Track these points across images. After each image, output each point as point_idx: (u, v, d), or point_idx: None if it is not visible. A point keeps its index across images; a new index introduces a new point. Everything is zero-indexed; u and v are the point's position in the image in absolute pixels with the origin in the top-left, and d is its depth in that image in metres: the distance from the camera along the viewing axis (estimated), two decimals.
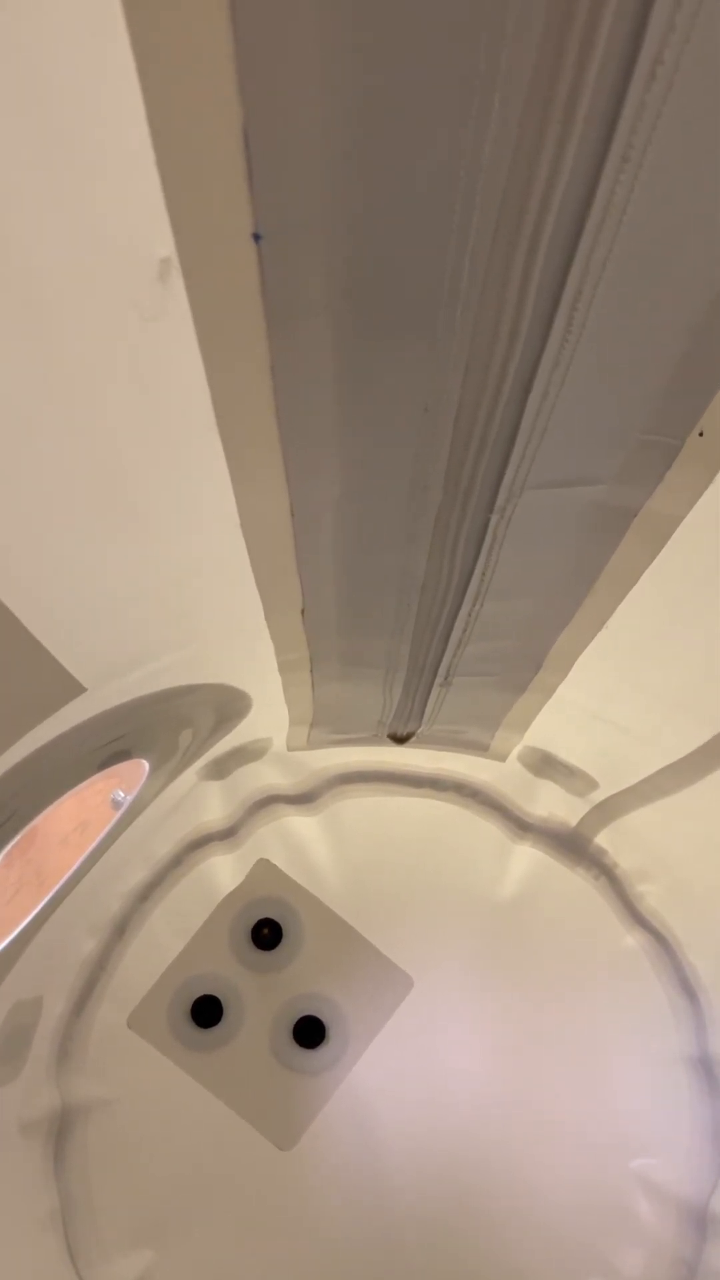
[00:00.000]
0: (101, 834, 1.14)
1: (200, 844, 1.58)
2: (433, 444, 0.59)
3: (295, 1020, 1.61)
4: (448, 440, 0.59)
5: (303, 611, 0.89)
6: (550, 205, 0.45)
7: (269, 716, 1.29)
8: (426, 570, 0.80)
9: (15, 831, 0.91)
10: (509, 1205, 1.55)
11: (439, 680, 1.08)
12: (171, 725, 1.07)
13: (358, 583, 0.83)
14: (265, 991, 1.62)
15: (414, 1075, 1.61)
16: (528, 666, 1.02)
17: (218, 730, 1.21)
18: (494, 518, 0.68)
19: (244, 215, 0.41)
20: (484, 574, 0.78)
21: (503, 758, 1.50)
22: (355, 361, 0.52)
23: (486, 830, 1.61)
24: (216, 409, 0.52)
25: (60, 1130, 1.50)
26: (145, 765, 1.09)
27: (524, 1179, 1.56)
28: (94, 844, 1.15)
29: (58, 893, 1.18)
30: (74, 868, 1.16)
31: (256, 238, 0.42)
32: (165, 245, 0.41)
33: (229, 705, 1.11)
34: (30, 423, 0.47)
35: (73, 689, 0.80)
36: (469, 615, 0.88)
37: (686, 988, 1.50)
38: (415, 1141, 1.59)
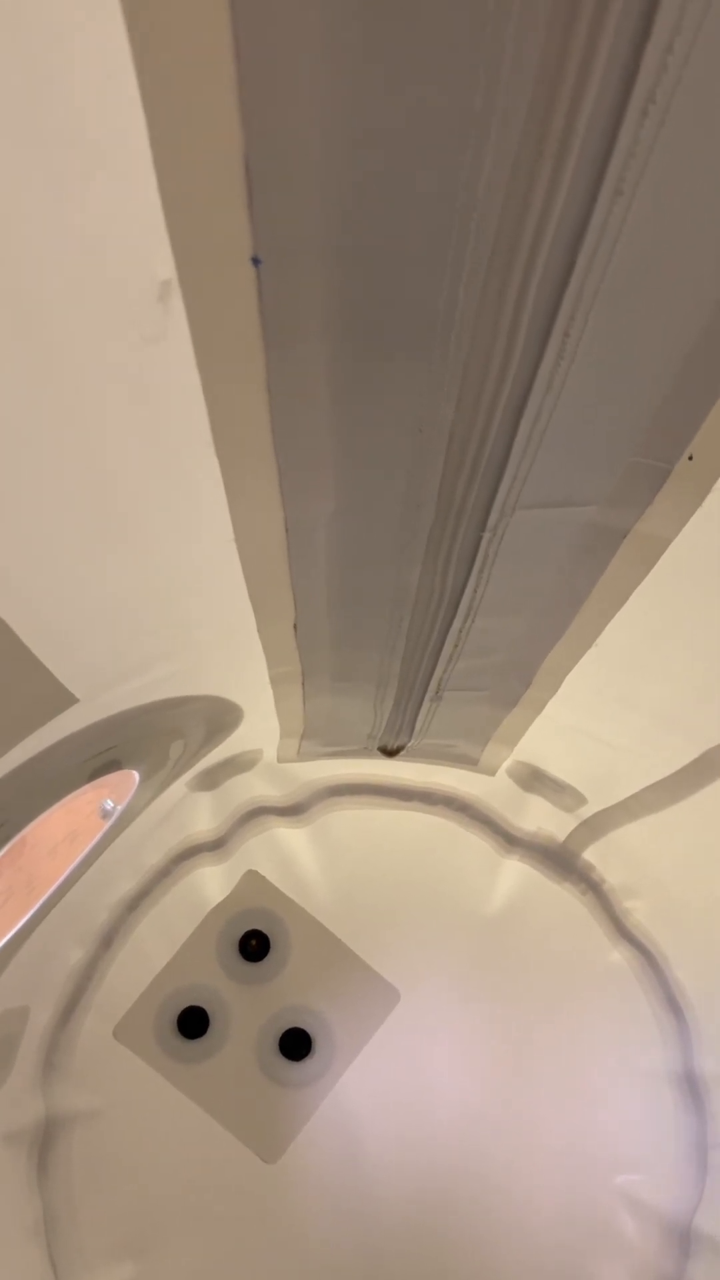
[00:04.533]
0: (91, 844, 1.15)
1: (189, 855, 1.58)
2: (426, 464, 0.60)
3: (281, 1032, 1.61)
4: (441, 461, 0.59)
5: (295, 625, 0.89)
6: (545, 235, 0.45)
7: (260, 728, 1.30)
8: (419, 587, 0.80)
9: (4, 841, 0.92)
10: (494, 1219, 1.55)
11: (429, 695, 1.09)
12: (163, 737, 1.07)
13: (350, 598, 0.84)
14: (252, 1003, 1.62)
15: (400, 1088, 1.61)
16: (518, 682, 1.03)
17: (209, 742, 1.22)
18: (486, 536, 0.69)
19: (244, 239, 0.42)
20: (475, 591, 0.79)
21: (492, 772, 1.50)
22: (350, 383, 0.53)
23: (475, 844, 1.61)
24: (214, 427, 0.52)
25: (44, 1140, 1.49)
26: (136, 776, 1.09)
27: (509, 1193, 1.56)
28: (83, 854, 1.15)
29: (46, 902, 1.18)
30: (63, 877, 1.16)
31: (256, 262, 0.43)
32: (166, 268, 0.42)
33: (220, 717, 1.12)
34: (27, 439, 0.48)
35: (65, 700, 0.80)
36: (460, 631, 0.89)
37: (672, 1004, 1.51)
38: (401, 1155, 1.58)
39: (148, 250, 0.41)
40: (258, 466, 0.58)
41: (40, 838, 1.06)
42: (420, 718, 1.20)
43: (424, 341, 0.50)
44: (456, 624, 0.87)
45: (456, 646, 0.92)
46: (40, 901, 1.14)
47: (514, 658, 0.97)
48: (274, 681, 1.05)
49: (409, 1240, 1.55)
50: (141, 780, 1.11)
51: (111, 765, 1.03)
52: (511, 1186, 1.56)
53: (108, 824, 1.14)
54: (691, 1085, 1.47)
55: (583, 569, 0.77)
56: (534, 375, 0.54)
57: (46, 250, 0.39)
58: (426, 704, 1.13)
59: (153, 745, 1.07)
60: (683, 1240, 1.42)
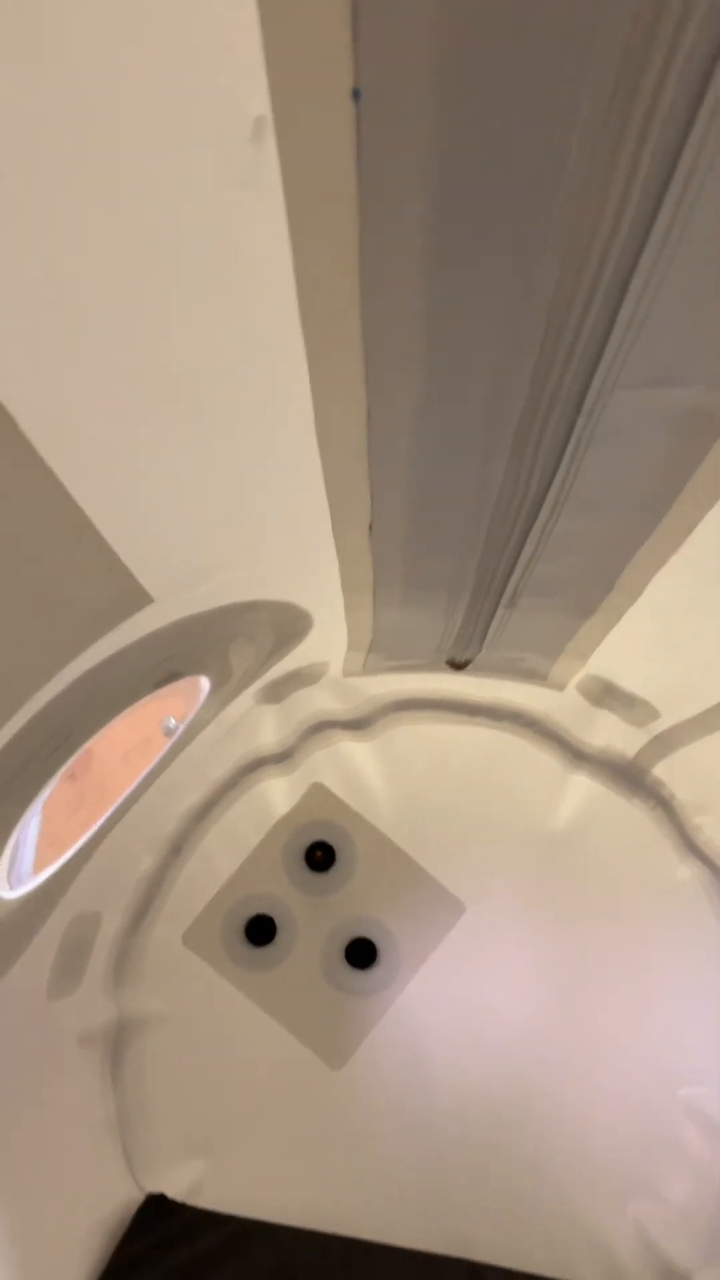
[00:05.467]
0: (162, 751, 1.15)
1: (255, 767, 1.58)
2: (523, 336, 0.56)
3: (347, 942, 1.63)
4: (539, 331, 0.56)
5: (370, 526, 0.86)
6: (669, 77, 0.41)
7: (327, 640, 1.28)
8: (503, 482, 0.77)
9: (80, 743, 0.91)
10: (554, 1129, 1.56)
11: (504, 602, 1.06)
12: (232, 643, 1.06)
13: (429, 496, 0.81)
14: (318, 913, 1.63)
15: (464, 1000, 1.62)
16: (598, 587, 0.99)
17: (277, 651, 1.20)
18: (580, 422, 0.65)
19: (345, 70, 0.38)
20: (563, 485, 0.76)
21: (561, 687, 1.47)
22: (447, 244, 0.49)
23: (542, 760, 1.59)
24: (300, 292, 0.49)
25: (117, 1043, 1.53)
26: (205, 683, 1.08)
27: (570, 1105, 1.57)
28: (155, 761, 1.15)
29: (119, 808, 1.19)
30: (134, 784, 1.16)
31: (356, 95, 0.39)
32: (261, 103, 0.38)
33: (290, 625, 1.10)
34: (109, 297, 0.45)
35: (142, 599, 0.78)
36: (543, 531, 0.85)
37: None
38: (463, 1064, 1.60)
39: (243, 84, 0.38)
40: (343, 339, 0.55)
41: (113, 745, 1.06)
42: (492, 628, 1.17)
43: (530, 193, 0.46)
44: (539, 523, 0.84)
45: (537, 548, 0.88)
46: (113, 807, 1.15)
47: (596, 561, 0.93)
48: (345, 589, 1.03)
49: (470, 1147, 1.57)
50: (211, 688, 1.11)
51: (182, 671, 1.02)
52: (574, 1098, 1.57)
53: (174, 737, 1.13)
54: None
55: (678, 460, 0.73)
56: (646, 236, 0.49)
57: (138, 81, 0.36)
58: (500, 612, 1.10)
59: (223, 652, 1.05)
60: None
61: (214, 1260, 1.37)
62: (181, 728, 1.12)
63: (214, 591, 0.89)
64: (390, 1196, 1.54)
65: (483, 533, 0.87)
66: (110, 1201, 1.44)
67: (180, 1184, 1.52)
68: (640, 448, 0.70)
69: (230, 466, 0.68)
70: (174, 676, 1.01)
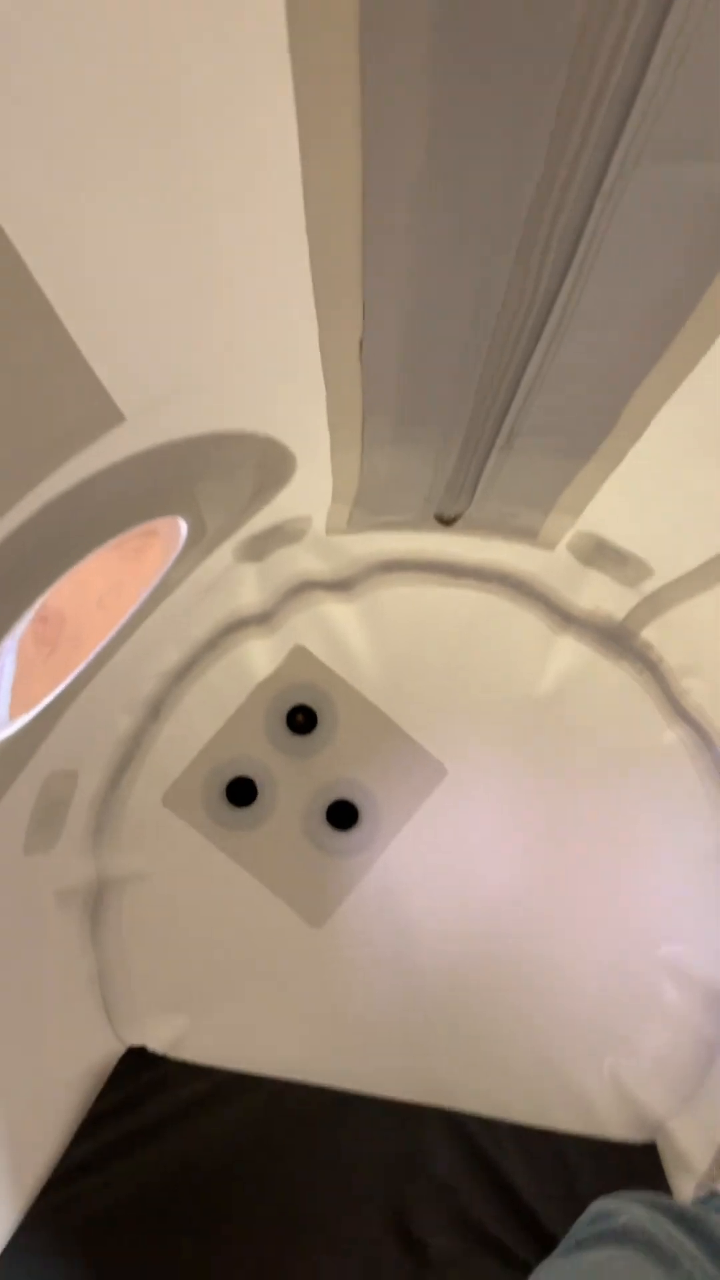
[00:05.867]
0: (141, 598, 1.10)
1: (236, 628, 1.54)
2: (540, 96, 0.49)
3: (329, 804, 1.62)
4: (560, 85, 0.49)
5: (361, 342, 0.80)
6: None
7: (311, 490, 1.22)
8: (508, 288, 0.70)
9: (54, 578, 0.86)
10: (533, 985, 1.59)
11: (499, 442, 1.00)
12: (211, 482, 1.00)
13: (426, 305, 0.74)
14: (299, 775, 1.62)
15: (445, 861, 1.62)
16: (599, 423, 0.93)
17: (259, 497, 1.15)
18: (598, 206, 0.58)
19: None
20: (573, 290, 0.69)
21: (552, 545, 1.43)
22: None
23: (529, 623, 1.56)
24: (291, 36, 0.42)
25: (97, 900, 1.53)
26: (182, 526, 1.03)
27: (550, 962, 1.59)
28: (132, 609, 1.10)
29: (94, 660, 1.15)
30: (112, 632, 1.12)
31: None
32: None
33: (272, 465, 1.04)
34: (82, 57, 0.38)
35: (112, 416, 0.72)
36: (546, 351, 0.79)
37: None
38: (443, 924, 1.62)
39: None
40: (339, 94, 0.48)
41: (87, 588, 1.01)
42: (485, 474, 1.12)
43: None
44: (544, 342, 0.77)
45: (540, 372, 0.82)
46: (89, 657, 1.10)
47: (599, 390, 0.87)
48: (332, 423, 0.97)
49: (450, 1002, 1.59)
50: (189, 531, 1.05)
51: (158, 510, 0.96)
52: (553, 956, 1.59)
53: (158, 577, 1.08)
54: None
55: (694, 266, 0.67)
56: None
57: None
58: (494, 455, 1.04)
59: (200, 491, 1.00)
60: None
61: (194, 1110, 1.40)
62: (168, 562, 1.07)
63: (189, 416, 0.83)
64: (370, 1050, 1.57)
65: (483, 352, 0.80)
66: (91, 1054, 1.46)
67: (161, 1038, 1.54)
68: (658, 246, 0.64)
69: (211, 256, 0.61)
70: (149, 514, 0.95)
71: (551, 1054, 1.55)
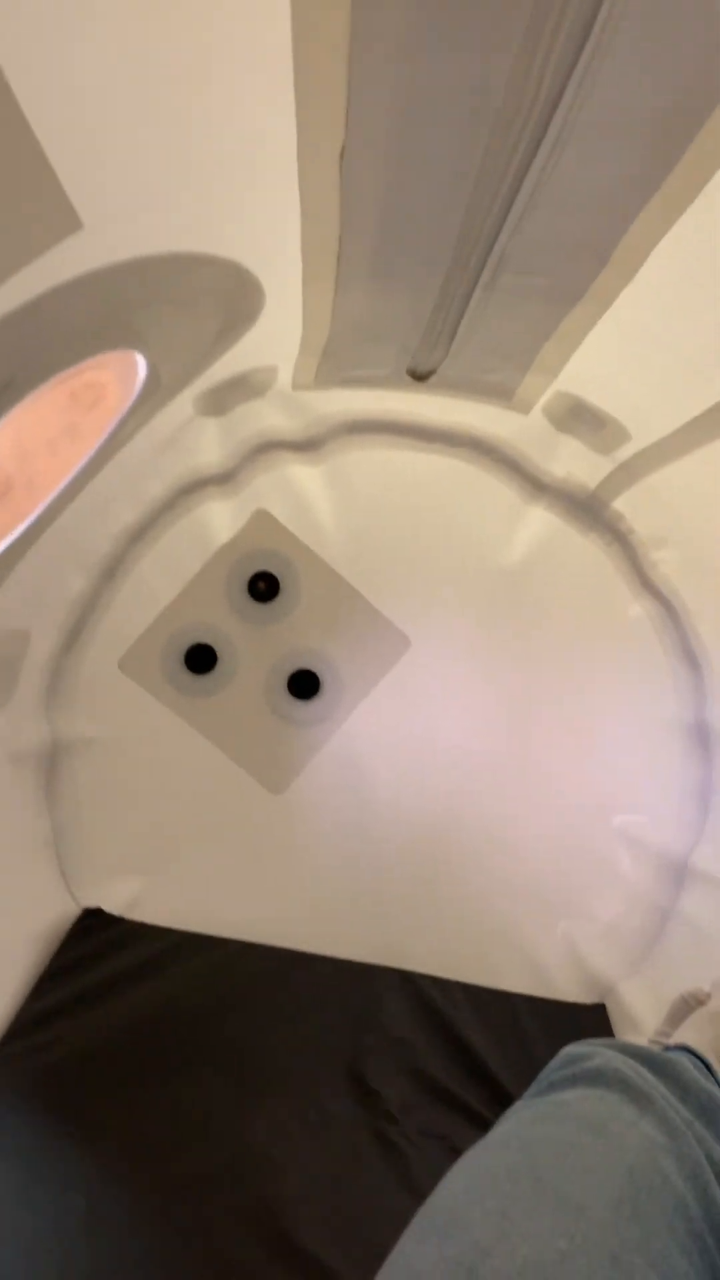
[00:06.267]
0: (97, 442, 1.03)
1: (195, 488, 1.48)
2: None
3: (290, 673, 1.59)
4: None
5: (342, 153, 0.73)
6: None
7: (279, 334, 1.15)
8: (507, 89, 0.64)
9: (11, 404, 0.80)
10: (490, 852, 1.60)
11: (484, 279, 0.94)
12: (173, 312, 0.93)
13: (418, 106, 0.67)
14: (260, 644, 1.58)
15: (406, 731, 1.61)
16: (592, 259, 0.87)
17: (223, 337, 1.07)
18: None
19: None
20: (576, 96, 0.63)
21: (527, 409, 1.37)
22: None
23: (499, 491, 1.51)
24: None
25: (51, 763, 1.50)
26: (141, 363, 0.96)
27: (507, 831, 1.60)
28: (87, 456, 1.04)
29: (48, 510, 1.09)
30: (67, 479, 1.05)
31: None
32: None
33: (239, 299, 0.97)
34: None
35: (70, 221, 0.66)
36: (544, 167, 0.73)
37: (690, 658, 1.47)
38: (403, 793, 1.61)
39: None
40: None
41: (38, 432, 0.95)
42: (465, 319, 1.05)
43: None
44: (543, 151, 0.71)
45: (535, 191, 0.76)
46: (41, 506, 1.04)
47: (597, 218, 0.81)
48: (306, 250, 0.90)
49: (406, 867, 1.60)
50: (147, 372, 0.98)
51: (115, 339, 0.89)
52: (510, 825, 1.60)
53: (117, 417, 1.02)
54: (702, 735, 1.46)
55: (707, 75, 0.61)
56: None
57: None
58: (477, 295, 0.98)
59: (161, 323, 0.93)
60: (678, 875, 1.46)
61: (152, 967, 1.40)
62: (126, 405, 1.00)
63: (151, 231, 0.76)
64: (327, 912, 1.58)
65: (475, 165, 0.74)
66: (46, 915, 1.45)
67: (117, 900, 1.53)
68: (667, 48, 0.58)
69: (183, 42, 0.54)
70: (106, 344, 0.88)
71: (505, 919, 1.57)
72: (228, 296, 0.95)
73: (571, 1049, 0.67)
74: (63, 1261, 0.87)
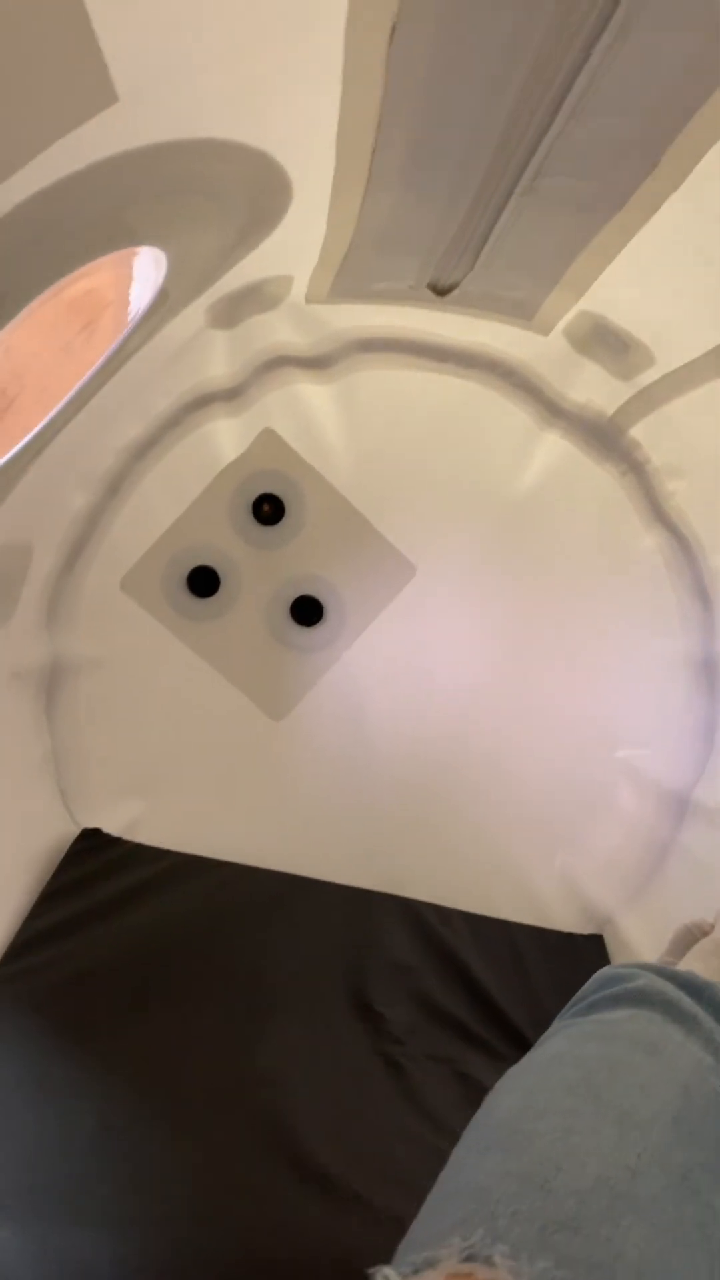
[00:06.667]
0: (116, 341, 0.99)
1: (201, 404, 1.43)
2: None
3: (293, 599, 1.56)
4: None
5: (393, 29, 0.68)
6: None
7: (299, 239, 1.10)
8: None
9: (32, 296, 0.76)
10: (490, 782, 1.59)
11: (523, 184, 0.90)
12: (199, 207, 0.88)
13: None
14: (264, 568, 1.55)
15: (409, 660, 1.59)
16: (641, 161, 0.83)
17: (244, 240, 1.02)
18: None
19: None
20: None
21: (547, 329, 1.33)
22: None
23: (513, 416, 1.47)
24: None
25: (51, 682, 1.47)
26: (162, 259, 0.91)
27: (507, 762, 1.59)
28: (110, 350, 0.99)
29: (57, 417, 1.04)
30: (76, 388, 1.01)
31: None
32: None
33: (266, 197, 0.92)
34: None
35: (106, 94, 0.61)
36: (604, 56, 0.68)
37: (701, 592, 1.45)
38: (405, 719, 1.60)
39: None
40: None
41: (52, 329, 0.90)
42: (496, 229, 1.01)
43: None
44: (605, 38, 0.67)
45: (590, 86, 0.72)
46: (53, 412, 1.00)
47: (650, 117, 0.77)
48: (341, 142, 0.85)
49: (407, 796, 1.59)
50: (168, 268, 0.93)
51: (141, 233, 0.85)
52: (511, 755, 1.59)
53: (139, 309, 0.97)
54: (709, 671, 1.45)
55: None
56: None
57: None
58: (513, 203, 0.94)
59: (186, 216, 0.88)
60: (679, 810, 1.46)
61: (152, 888, 1.39)
62: (141, 309, 0.95)
63: (186, 111, 0.71)
64: (326, 839, 1.57)
65: (531, 52, 0.69)
66: (45, 835, 1.43)
67: (117, 821, 1.52)
68: None
69: None
70: (131, 237, 0.84)
71: (505, 848, 1.57)
72: (255, 193, 0.91)
73: (610, 970, 0.66)
74: (76, 1172, 0.86)
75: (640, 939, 1.44)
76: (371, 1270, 0.39)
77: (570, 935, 1.49)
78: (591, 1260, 0.37)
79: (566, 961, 1.41)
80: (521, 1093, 0.51)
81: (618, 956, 1.44)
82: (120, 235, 0.81)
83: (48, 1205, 0.82)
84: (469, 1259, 0.38)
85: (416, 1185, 0.46)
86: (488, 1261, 0.38)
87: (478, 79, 0.74)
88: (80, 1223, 0.80)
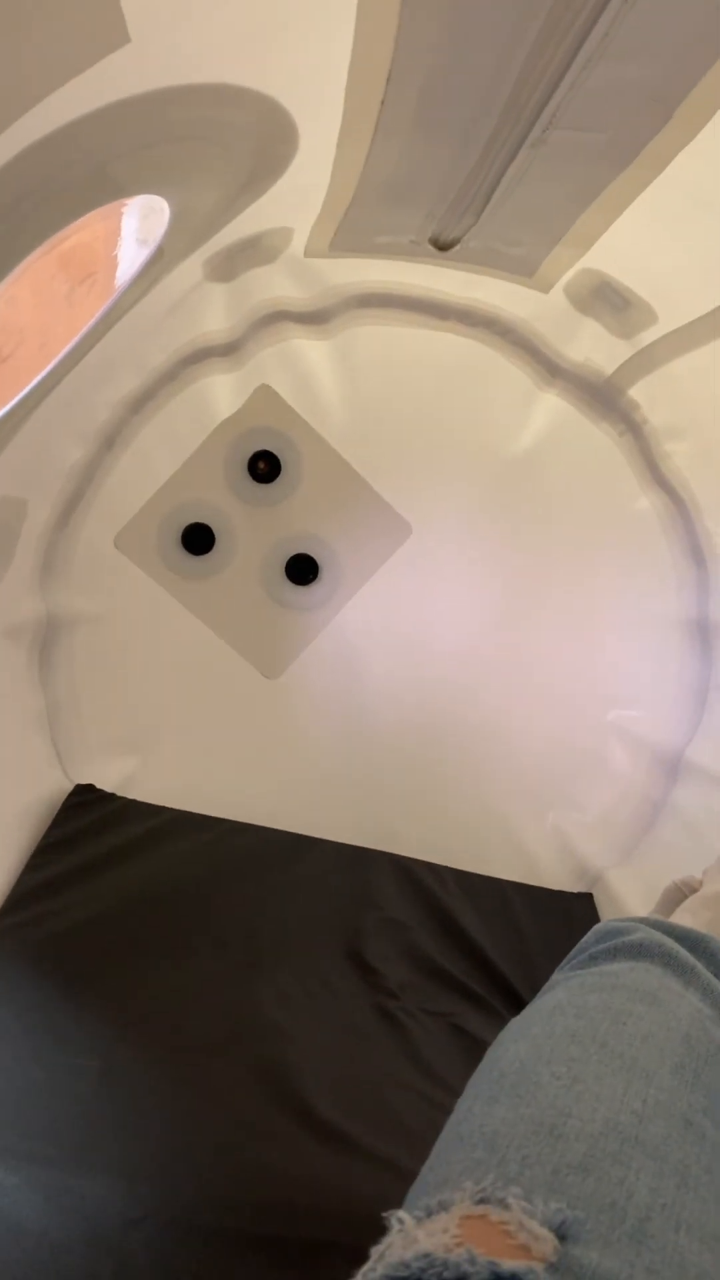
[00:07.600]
0: (115, 294, 0.98)
1: (198, 358, 1.41)
2: None
3: (288, 557, 1.56)
4: None
5: None
6: None
7: (303, 190, 1.08)
8: None
9: (31, 245, 0.74)
10: (484, 742, 1.60)
11: (532, 137, 0.88)
12: (204, 154, 0.86)
13: None
14: (259, 526, 1.54)
15: (404, 620, 1.59)
16: (656, 113, 0.82)
17: (247, 189, 1.01)
18: None
19: None
20: None
21: (548, 287, 1.32)
22: None
23: (512, 374, 1.46)
24: None
25: (46, 638, 1.46)
26: (166, 207, 0.90)
27: (501, 722, 1.60)
28: (111, 301, 0.98)
29: (52, 373, 1.03)
30: (74, 341, 1.00)
31: None
32: None
33: (272, 145, 0.90)
34: None
35: (118, 34, 0.60)
36: (623, 3, 0.67)
37: (696, 553, 1.46)
38: (399, 681, 1.60)
39: None
40: None
41: (50, 279, 0.89)
42: (503, 182, 1.00)
43: None
44: None
45: (610, 28, 0.70)
46: (53, 363, 0.99)
47: (670, 63, 0.76)
48: (350, 92, 0.83)
49: (401, 754, 1.60)
50: (171, 217, 0.92)
51: (147, 180, 0.83)
52: (504, 716, 1.60)
53: (140, 261, 0.96)
54: (703, 632, 1.46)
55: None
56: None
57: None
58: (521, 155, 0.92)
59: (190, 163, 0.86)
60: (671, 770, 1.48)
61: (147, 843, 1.40)
62: (146, 254, 0.94)
63: (197, 54, 0.69)
64: (320, 796, 1.58)
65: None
66: (39, 790, 1.43)
67: (111, 778, 1.52)
68: None
69: None
70: (138, 185, 0.82)
71: (498, 806, 1.58)
72: (261, 141, 0.89)
73: (608, 924, 0.67)
74: (82, 1116, 0.88)
75: (630, 897, 1.45)
76: (385, 1214, 0.40)
77: (561, 893, 1.50)
78: (604, 1201, 0.38)
79: (557, 919, 1.43)
80: (527, 1042, 0.52)
81: (607, 914, 1.46)
82: (126, 183, 0.80)
83: (55, 1153, 0.83)
84: (482, 1202, 0.39)
85: (414, 1133, 0.47)
86: (501, 1204, 0.38)
87: (491, 27, 0.73)
88: (87, 1170, 0.81)
